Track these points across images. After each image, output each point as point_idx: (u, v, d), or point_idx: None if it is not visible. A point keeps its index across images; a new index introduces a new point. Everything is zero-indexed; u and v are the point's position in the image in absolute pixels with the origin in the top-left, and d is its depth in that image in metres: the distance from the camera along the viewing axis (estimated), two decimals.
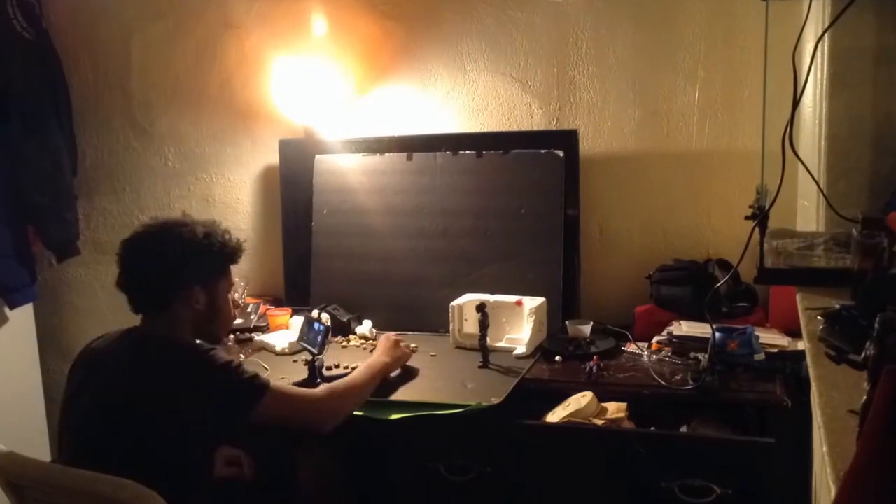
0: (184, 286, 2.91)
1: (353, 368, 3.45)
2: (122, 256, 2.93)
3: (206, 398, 2.74)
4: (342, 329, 4.01)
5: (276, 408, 2.87)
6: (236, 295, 4.22)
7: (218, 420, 2.77)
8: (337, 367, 3.55)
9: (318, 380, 3.33)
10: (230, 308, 3.11)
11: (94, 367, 2.87)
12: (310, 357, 3.41)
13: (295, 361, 3.70)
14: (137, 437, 2.66)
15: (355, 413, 3.12)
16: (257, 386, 2.84)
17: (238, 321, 4.15)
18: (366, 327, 4.00)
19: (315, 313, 3.78)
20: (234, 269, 4.62)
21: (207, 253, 2.95)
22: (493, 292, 3.83)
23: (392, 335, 3.56)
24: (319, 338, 3.41)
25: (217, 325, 3.05)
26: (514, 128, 4.20)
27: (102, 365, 2.85)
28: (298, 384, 3.31)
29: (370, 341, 3.91)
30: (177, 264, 2.89)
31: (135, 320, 3.01)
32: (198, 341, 2.96)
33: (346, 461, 3.33)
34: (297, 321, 3.86)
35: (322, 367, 3.39)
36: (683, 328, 3.61)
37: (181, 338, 2.92)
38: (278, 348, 3.83)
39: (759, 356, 3.31)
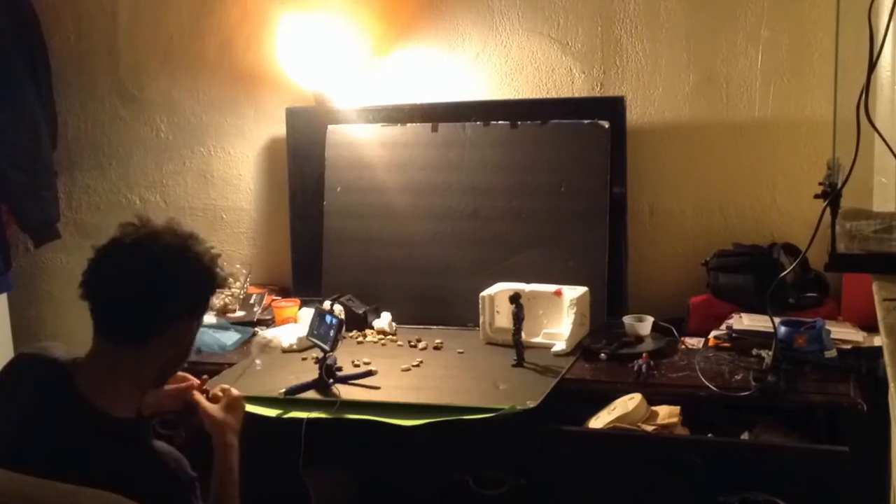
0: (179, 316, 2.66)
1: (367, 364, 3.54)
2: (110, 264, 2.64)
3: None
4: (357, 322, 4.03)
5: None
6: (237, 286, 4.27)
7: None
8: (357, 365, 3.58)
9: (331, 380, 3.36)
10: None
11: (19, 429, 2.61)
12: (321, 354, 3.43)
13: (304, 359, 3.72)
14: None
15: (371, 419, 3.14)
16: None
17: (240, 314, 4.19)
18: (384, 321, 4.03)
19: (327, 305, 3.80)
20: (236, 253, 4.69)
21: (211, 279, 2.73)
22: (528, 281, 3.86)
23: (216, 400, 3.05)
24: (332, 332, 3.42)
25: (178, 368, 2.86)
26: (553, 95, 4.22)
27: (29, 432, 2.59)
28: (309, 385, 3.36)
29: (389, 337, 3.94)
30: (180, 286, 2.64)
31: None
32: (157, 446, 2.62)
33: (362, 476, 3.36)
34: (307, 314, 3.89)
35: (334, 365, 3.42)
36: (744, 322, 3.63)
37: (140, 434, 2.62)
38: (285, 344, 3.85)
39: (831, 353, 3.34)
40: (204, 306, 2.76)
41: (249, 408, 3.20)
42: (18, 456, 2.53)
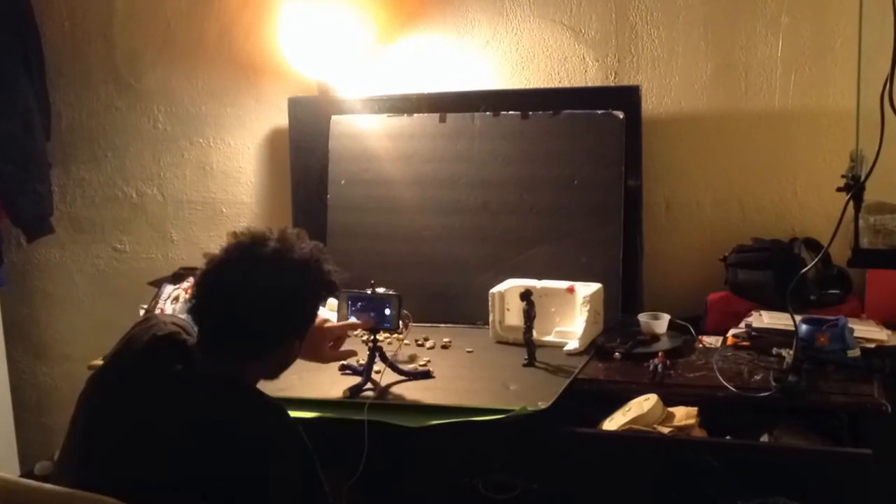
0: (294, 336, 2.78)
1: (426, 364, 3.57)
2: (228, 282, 2.68)
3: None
4: None
5: None
6: None
7: None
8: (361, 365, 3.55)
9: (384, 366, 3.40)
10: None
11: (143, 404, 2.67)
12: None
13: None
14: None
15: (376, 420, 3.14)
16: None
17: None
18: None
19: (331, 303, 3.81)
20: None
21: (328, 294, 2.91)
22: (540, 277, 3.86)
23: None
24: (389, 311, 3.39)
25: (287, 368, 2.93)
26: (566, 84, 4.23)
27: (157, 406, 2.65)
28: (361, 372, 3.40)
29: (395, 335, 3.94)
30: (306, 310, 2.81)
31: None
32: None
33: (365, 480, 3.36)
34: None
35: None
36: (764, 319, 3.63)
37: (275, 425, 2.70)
38: None
39: (854, 352, 3.34)
40: (312, 319, 2.87)
41: None
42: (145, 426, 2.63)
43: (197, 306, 2.70)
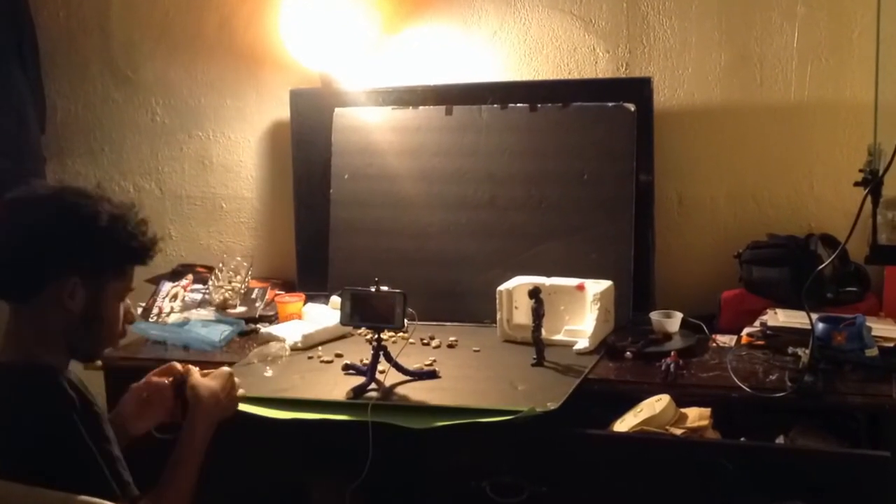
0: (58, 272, 2.70)
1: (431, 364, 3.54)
2: None
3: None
4: None
5: None
6: (237, 279, 4.24)
7: None
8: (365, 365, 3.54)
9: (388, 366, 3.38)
10: (118, 321, 2.88)
11: None
12: (328, 357, 3.40)
13: (310, 358, 3.71)
14: None
15: (378, 422, 3.13)
16: None
17: (241, 309, 4.19)
18: None
19: (334, 300, 3.80)
20: (237, 244, 4.66)
21: (105, 241, 2.75)
22: (549, 274, 3.86)
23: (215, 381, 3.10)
24: (396, 308, 3.33)
25: (93, 337, 2.83)
26: (575, 76, 4.23)
27: None
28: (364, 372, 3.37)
29: (400, 334, 3.93)
30: (56, 241, 2.70)
31: None
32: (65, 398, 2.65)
33: (369, 483, 3.36)
34: (312, 309, 3.90)
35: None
36: (780, 318, 3.63)
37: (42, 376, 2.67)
38: (289, 342, 3.83)
39: (872, 352, 3.33)
40: (89, 263, 2.75)
41: (252, 409, 3.21)
42: None
43: None
